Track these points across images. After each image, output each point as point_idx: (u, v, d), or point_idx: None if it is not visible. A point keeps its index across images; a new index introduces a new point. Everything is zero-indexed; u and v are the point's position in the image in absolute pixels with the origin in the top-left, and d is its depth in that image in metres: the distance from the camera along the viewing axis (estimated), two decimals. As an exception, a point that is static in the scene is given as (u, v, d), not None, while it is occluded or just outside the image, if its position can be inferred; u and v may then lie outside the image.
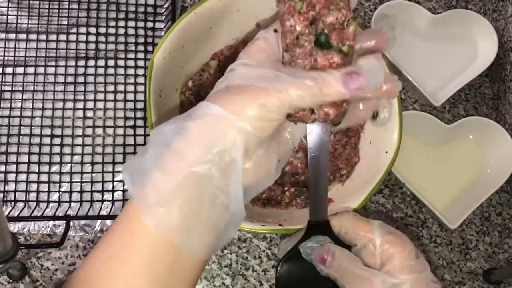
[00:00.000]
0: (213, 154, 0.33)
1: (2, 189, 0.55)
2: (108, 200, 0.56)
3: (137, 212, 0.33)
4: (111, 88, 0.60)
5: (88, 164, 0.57)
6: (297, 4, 0.37)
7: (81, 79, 0.60)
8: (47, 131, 0.57)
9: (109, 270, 0.33)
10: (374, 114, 0.42)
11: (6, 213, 0.54)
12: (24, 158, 0.56)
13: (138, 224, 0.33)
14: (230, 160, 0.33)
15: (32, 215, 0.54)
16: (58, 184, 0.56)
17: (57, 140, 0.57)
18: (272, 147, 0.37)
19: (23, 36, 0.61)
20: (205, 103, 0.34)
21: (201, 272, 0.36)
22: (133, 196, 0.33)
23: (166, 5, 0.64)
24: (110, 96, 0.60)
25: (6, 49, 0.60)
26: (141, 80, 0.61)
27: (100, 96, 0.60)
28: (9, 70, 0.59)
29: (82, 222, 0.55)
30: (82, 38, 0.62)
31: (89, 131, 0.58)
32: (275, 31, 0.39)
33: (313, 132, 0.39)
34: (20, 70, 0.59)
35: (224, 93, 0.35)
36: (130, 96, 0.60)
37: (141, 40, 0.63)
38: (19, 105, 0.58)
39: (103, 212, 0.55)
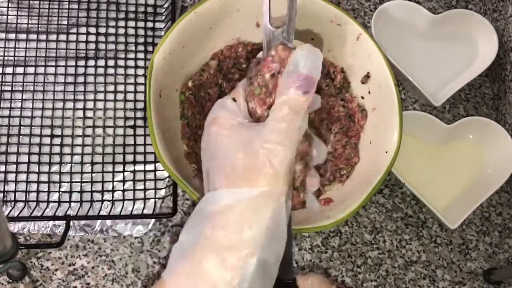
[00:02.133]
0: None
1: (2, 189, 0.55)
2: (108, 200, 0.56)
3: None
4: (111, 88, 0.60)
5: (88, 164, 0.57)
6: (256, 89, 0.41)
7: (81, 79, 0.60)
8: (47, 131, 0.57)
9: None
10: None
11: (6, 213, 0.54)
12: (24, 158, 0.56)
13: None
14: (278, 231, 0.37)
15: (32, 215, 0.54)
16: (58, 184, 0.56)
17: (57, 140, 0.57)
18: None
19: (23, 36, 0.61)
20: (216, 192, 0.37)
21: None
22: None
23: (166, 5, 0.64)
24: (110, 96, 0.60)
25: (6, 49, 0.60)
26: (141, 80, 0.61)
27: (100, 96, 0.60)
28: (9, 70, 0.59)
29: (82, 222, 0.55)
30: (82, 38, 0.62)
31: (89, 131, 0.58)
32: (234, 100, 0.42)
33: None
34: (20, 70, 0.59)
35: (235, 173, 0.37)
36: (130, 96, 0.60)
37: (141, 40, 0.63)
38: (19, 105, 0.58)
39: (103, 212, 0.55)
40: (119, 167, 0.57)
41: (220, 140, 0.40)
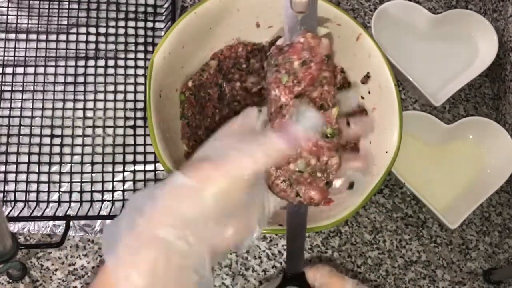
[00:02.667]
0: (180, 221, 0.34)
1: (2, 189, 0.55)
2: (108, 200, 0.56)
3: (110, 276, 0.34)
4: (111, 88, 0.60)
5: (88, 164, 0.57)
6: (283, 77, 0.39)
7: (81, 79, 0.60)
8: (47, 131, 0.57)
9: None
10: (351, 184, 0.45)
11: (6, 213, 0.54)
12: (24, 158, 0.56)
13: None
14: (195, 228, 0.34)
15: (32, 215, 0.54)
16: (58, 184, 0.56)
17: (57, 140, 0.57)
18: (246, 211, 0.37)
19: (23, 36, 0.61)
20: (176, 173, 0.36)
21: None
22: (106, 259, 0.35)
23: (166, 5, 0.64)
24: (110, 96, 0.60)
25: (6, 49, 0.60)
26: (141, 80, 0.61)
27: (100, 96, 0.60)
28: (9, 70, 0.59)
29: (82, 222, 0.55)
30: (82, 38, 0.62)
31: (89, 131, 0.58)
32: (259, 111, 0.41)
33: None
34: (20, 70, 0.59)
35: (195, 164, 0.37)
36: (130, 96, 0.60)
37: (141, 40, 0.63)
38: (19, 105, 0.58)
39: (103, 212, 0.55)
40: (119, 167, 0.57)
41: (216, 137, 0.39)
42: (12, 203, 0.54)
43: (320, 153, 0.38)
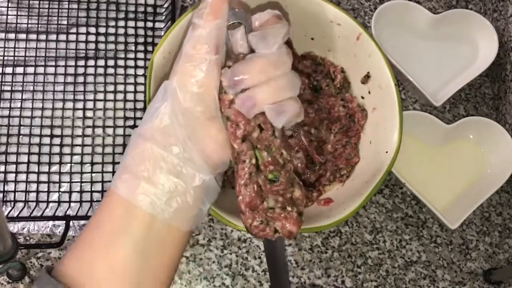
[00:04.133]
0: (161, 116, 0.36)
1: (2, 189, 0.55)
2: (108, 200, 0.56)
3: (114, 193, 0.36)
4: (111, 88, 0.60)
5: (88, 164, 0.57)
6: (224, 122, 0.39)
7: (81, 79, 0.60)
8: (47, 131, 0.57)
9: (93, 238, 0.36)
10: None
11: (6, 213, 0.54)
12: (24, 158, 0.56)
13: (116, 202, 0.36)
14: (177, 119, 0.36)
15: (31, 215, 0.54)
16: (58, 184, 0.56)
17: (56, 140, 0.57)
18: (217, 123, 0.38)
19: (23, 36, 0.61)
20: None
21: (183, 246, 0.38)
22: (111, 186, 0.37)
23: (166, 5, 0.64)
24: (110, 96, 0.60)
25: (6, 49, 0.60)
26: (141, 80, 0.61)
27: (100, 96, 0.60)
28: (9, 70, 0.59)
29: (82, 222, 0.55)
30: (82, 38, 0.62)
31: (89, 131, 0.58)
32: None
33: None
34: (20, 70, 0.59)
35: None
36: (130, 96, 0.60)
37: (141, 40, 0.63)
38: (18, 105, 0.58)
39: (103, 212, 0.55)
40: (119, 167, 0.57)
41: None
42: (12, 203, 0.54)
43: (279, 193, 0.39)
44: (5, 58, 0.59)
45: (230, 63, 0.38)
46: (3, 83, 0.58)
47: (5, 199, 0.54)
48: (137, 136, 0.37)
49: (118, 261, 0.35)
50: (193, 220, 0.38)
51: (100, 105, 0.59)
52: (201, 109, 0.37)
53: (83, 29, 0.62)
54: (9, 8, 0.61)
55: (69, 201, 0.55)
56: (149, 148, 0.36)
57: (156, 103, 0.37)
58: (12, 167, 0.56)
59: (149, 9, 0.64)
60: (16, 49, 0.60)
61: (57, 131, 0.58)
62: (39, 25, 0.61)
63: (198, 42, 0.37)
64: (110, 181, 0.56)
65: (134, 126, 0.59)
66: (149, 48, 0.62)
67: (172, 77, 0.38)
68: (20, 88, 0.59)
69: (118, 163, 0.57)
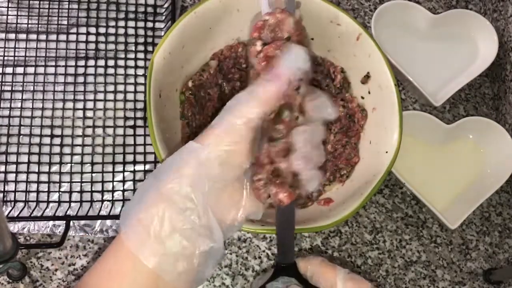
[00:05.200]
0: (184, 179, 0.37)
1: (2, 189, 0.55)
2: (108, 200, 0.56)
3: (125, 246, 0.37)
4: (111, 88, 0.60)
5: (88, 164, 0.57)
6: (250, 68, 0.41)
7: (81, 79, 0.60)
8: (47, 131, 0.57)
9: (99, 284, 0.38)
10: None
11: (6, 213, 0.54)
12: (24, 158, 0.56)
13: (126, 254, 0.37)
14: (198, 185, 0.37)
15: (32, 215, 0.54)
16: (58, 184, 0.56)
17: (57, 140, 0.57)
18: (238, 184, 0.39)
19: (23, 36, 0.61)
20: (189, 142, 0.39)
21: None
22: (123, 234, 0.37)
23: (166, 5, 0.64)
24: (110, 96, 0.60)
25: (6, 49, 0.60)
26: (141, 80, 0.61)
27: (100, 96, 0.60)
28: (9, 70, 0.59)
29: (82, 222, 0.55)
30: (82, 38, 0.62)
31: (89, 131, 0.58)
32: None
33: None
34: (20, 70, 0.59)
35: (201, 133, 0.39)
36: (130, 96, 0.60)
37: (141, 40, 0.63)
38: (19, 105, 0.58)
39: (103, 212, 0.55)
40: (119, 167, 0.57)
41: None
42: (12, 203, 0.54)
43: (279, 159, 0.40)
44: (5, 58, 0.59)
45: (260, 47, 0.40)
46: (3, 83, 0.59)
47: (5, 199, 0.54)
48: (156, 191, 0.37)
49: None
50: (196, 283, 0.39)
51: (100, 105, 0.59)
52: (230, 178, 0.38)
53: (83, 29, 0.62)
54: (9, 8, 0.61)
55: (69, 201, 0.55)
56: (166, 209, 0.36)
57: (180, 162, 0.38)
58: (12, 167, 0.56)
59: (149, 9, 0.64)
60: (16, 49, 0.60)
61: (57, 131, 0.58)
62: (39, 25, 0.61)
63: (248, 121, 0.37)
64: (110, 181, 0.56)
65: (134, 126, 0.59)
66: (149, 48, 0.62)
67: (203, 141, 0.38)
68: (20, 88, 0.59)
69: (118, 163, 0.57)
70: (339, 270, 0.46)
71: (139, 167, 0.57)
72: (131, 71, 0.61)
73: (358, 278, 0.46)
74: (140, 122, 0.59)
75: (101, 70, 0.60)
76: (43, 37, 0.61)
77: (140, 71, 0.61)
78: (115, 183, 0.56)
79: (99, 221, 0.55)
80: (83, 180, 0.56)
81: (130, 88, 0.60)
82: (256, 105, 0.37)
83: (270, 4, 0.44)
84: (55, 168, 0.56)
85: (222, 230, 0.38)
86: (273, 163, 0.40)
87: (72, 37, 0.61)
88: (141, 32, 0.63)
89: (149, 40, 0.63)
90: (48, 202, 0.55)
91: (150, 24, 0.64)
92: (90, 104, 0.59)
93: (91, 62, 0.61)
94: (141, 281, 0.36)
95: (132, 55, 0.62)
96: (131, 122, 0.59)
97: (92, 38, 0.62)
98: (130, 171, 0.57)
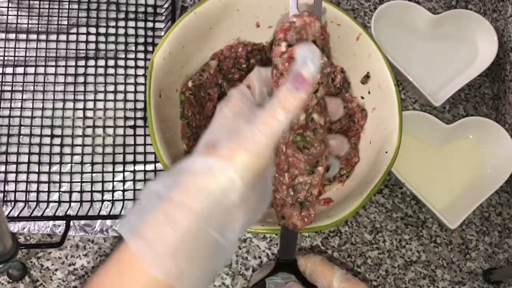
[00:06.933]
0: (213, 202, 0.34)
1: (2, 189, 0.55)
2: (108, 200, 0.56)
3: (134, 260, 0.35)
4: (111, 88, 0.60)
5: (88, 164, 0.57)
6: (273, 67, 0.40)
7: (81, 79, 0.60)
8: (47, 131, 0.57)
9: None
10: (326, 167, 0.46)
11: (6, 213, 0.54)
12: (24, 158, 0.56)
13: (137, 270, 0.35)
14: (227, 206, 0.35)
15: (32, 215, 0.54)
16: (58, 184, 0.56)
17: (57, 140, 0.57)
18: (259, 185, 0.38)
19: (23, 36, 0.61)
20: (192, 157, 0.36)
21: None
22: (133, 246, 0.35)
23: (166, 5, 0.64)
24: (110, 96, 0.60)
25: (6, 49, 0.60)
26: (141, 80, 0.61)
27: (100, 96, 0.60)
28: (9, 70, 0.59)
29: (82, 222, 0.55)
30: (82, 38, 0.62)
31: (89, 131, 0.58)
32: (248, 87, 0.41)
33: None
34: (20, 70, 0.59)
35: (211, 145, 0.36)
36: (130, 96, 0.60)
37: (141, 40, 0.63)
38: (19, 105, 0.58)
39: (103, 212, 0.55)
40: (119, 167, 0.57)
41: (221, 117, 0.39)
42: (12, 203, 0.54)
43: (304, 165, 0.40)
44: (6, 58, 0.59)
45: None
46: (3, 83, 0.59)
47: (5, 199, 0.54)
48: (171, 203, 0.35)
49: None
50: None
51: (100, 105, 0.59)
52: (257, 195, 0.37)
53: (83, 29, 0.62)
54: (10, 8, 0.61)
55: (70, 201, 0.55)
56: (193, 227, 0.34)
57: (189, 175, 0.35)
58: (12, 167, 0.56)
59: (149, 9, 0.64)
60: (16, 49, 0.60)
61: (58, 131, 0.58)
62: (40, 25, 0.61)
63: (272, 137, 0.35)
64: (110, 181, 0.56)
65: (134, 126, 0.59)
66: (149, 48, 0.62)
67: (231, 157, 0.35)
68: (21, 88, 0.59)
69: (118, 163, 0.57)
70: (336, 270, 0.47)
71: (139, 167, 0.57)
72: (131, 71, 0.61)
73: (354, 279, 0.47)
74: (140, 122, 0.59)
75: (101, 70, 0.61)
76: (43, 37, 0.61)
77: (140, 71, 0.61)
78: (115, 183, 0.56)
79: (99, 221, 0.55)
80: (83, 180, 0.56)
81: (130, 88, 0.60)
82: (285, 116, 0.35)
83: (298, 6, 0.44)
84: (55, 168, 0.56)
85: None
86: (291, 174, 0.40)
87: (72, 37, 0.61)
88: (141, 32, 0.63)
89: (149, 40, 0.63)
90: (48, 202, 0.55)
91: (150, 24, 0.64)
92: (90, 104, 0.59)
93: (91, 62, 0.61)
94: None
95: (132, 55, 0.62)
96: (131, 122, 0.59)
97: (92, 38, 0.62)
98: (130, 171, 0.57)
